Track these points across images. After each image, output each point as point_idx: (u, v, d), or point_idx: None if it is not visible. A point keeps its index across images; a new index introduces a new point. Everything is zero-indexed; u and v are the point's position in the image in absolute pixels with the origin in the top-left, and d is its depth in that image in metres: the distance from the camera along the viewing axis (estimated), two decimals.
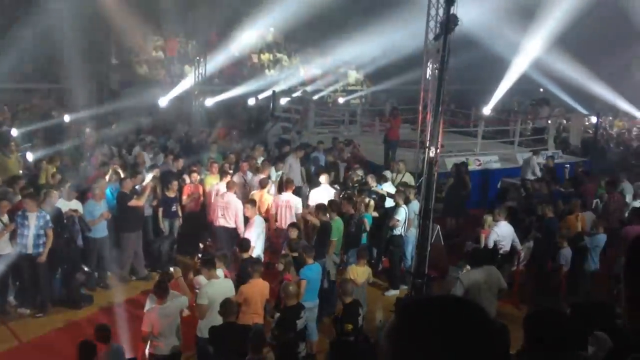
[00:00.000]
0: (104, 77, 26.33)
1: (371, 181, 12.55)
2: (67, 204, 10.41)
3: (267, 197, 11.98)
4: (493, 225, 10.82)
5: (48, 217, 9.69)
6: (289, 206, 11.54)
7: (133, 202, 11.11)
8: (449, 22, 9.13)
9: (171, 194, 11.85)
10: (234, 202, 11.30)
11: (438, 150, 9.76)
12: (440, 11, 14.29)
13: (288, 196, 11.68)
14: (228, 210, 11.26)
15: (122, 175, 12.01)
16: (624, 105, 26.24)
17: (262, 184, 12.06)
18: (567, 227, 11.13)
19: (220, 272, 8.43)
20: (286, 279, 8.32)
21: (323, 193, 12.13)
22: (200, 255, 9.08)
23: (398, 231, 11.26)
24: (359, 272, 9.46)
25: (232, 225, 11.25)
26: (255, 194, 11.97)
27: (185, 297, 7.84)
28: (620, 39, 27.20)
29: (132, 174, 11.85)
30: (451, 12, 9.22)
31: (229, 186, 11.59)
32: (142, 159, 13.92)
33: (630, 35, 26.45)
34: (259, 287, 8.09)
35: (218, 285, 7.89)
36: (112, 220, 11.07)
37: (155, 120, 19.94)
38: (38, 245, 9.64)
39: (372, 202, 11.59)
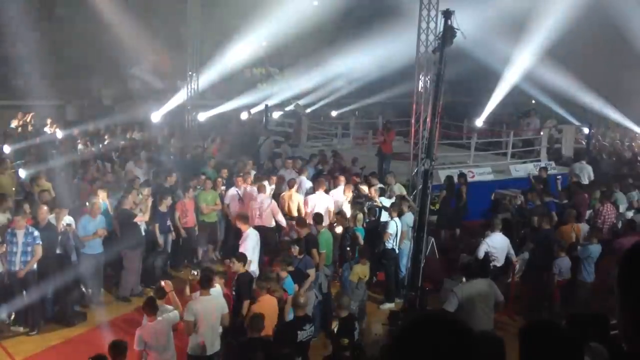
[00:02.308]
0: (97, 93, 26.36)
1: (374, 194, 12.56)
2: (60, 220, 10.37)
3: (296, 196, 12.68)
4: (485, 237, 10.83)
5: (36, 234, 9.64)
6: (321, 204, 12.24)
7: (139, 218, 11.17)
8: (446, 34, 9.20)
9: (164, 209, 11.83)
10: (267, 202, 12.17)
11: (433, 163, 9.79)
12: (432, 25, 14.43)
13: (319, 195, 12.47)
14: (263, 210, 11.94)
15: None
16: (616, 116, 26.40)
17: (290, 184, 12.83)
18: (562, 238, 11.13)
19: (218, 288, 8.39)
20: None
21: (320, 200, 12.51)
22: (194, 273, 9.03)
23: (390, 244, 11.25)
24: (363, 270, 9.88)
25: (269, 224, 12.00)
26: (285, 194, 12.78)
27: (177, 311, 7.81)
28: (611, 50, 27.43)
29: (128, 190, 11.85)
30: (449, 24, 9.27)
31: (260, 189, 12.36)
32: (134, 174, 13.90)
33: (621, 46, 26.66)
34: (268, 305, 8.05)
35: (206, 301, 7.82)
36: (113, 238, 11.06)
37: (148, 135, 19.93)
38: (26, 262, 9.59)
39: (360, 216, 11.57)
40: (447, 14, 9.40)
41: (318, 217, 11.08)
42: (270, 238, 12.11)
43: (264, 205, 12.11)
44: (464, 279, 10.15)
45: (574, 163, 17.65)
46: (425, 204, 9.70)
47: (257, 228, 11.68)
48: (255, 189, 12.58)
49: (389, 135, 16.41)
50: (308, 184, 13.58)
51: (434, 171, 10.12)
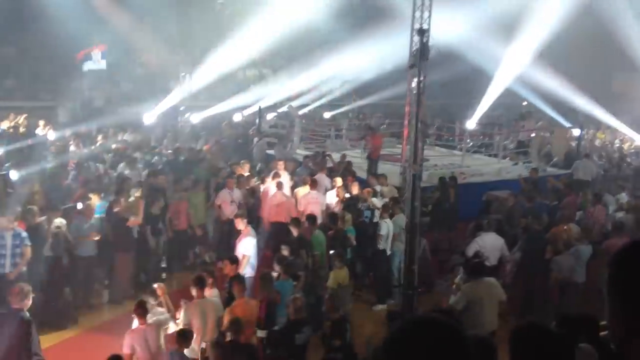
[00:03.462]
0: (89, 94, 26.28)
1: (367, 195, 12.61)
2: (52, 222, 10.33)
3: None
4: (476, 236, 10.86)
5: (24, 235, 9.61)
6: (317, 202, 12.60)
7: (132, 222, 11.12)
8: (423, 52, 9.44)
9: (156, 211, 11.80)
10: (286, 199, 12.60)
11: (420, 167, 10.01)
12: (425, 26, 14.45)
13: (315, 194, 12.79)
14: (281, 207, 12.36)
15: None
16: (606, 117, 26.56)
17: (305, 181, 13.18)
18: (555, 239, 11.13)
19: (215, 290, 8.35)
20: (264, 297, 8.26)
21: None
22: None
23: (382, 246, 11.26)
24: (342, 276, 9.78)
25: (287, 221, 12.04)
26: (301, 190, 13.09)
27: (168, 314, 7.77)
28: (601, 52, 27.59)
29: (120, 192, 11.81)
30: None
31: (279, 186, 12.72)
32: (126, 176, 13.86)
33: (611, 48, 26.83)
34: (246, 308, 7.98)
35: (202, 304, 7.80)
36: (105, 240, 11.02)
37: (141, 137, 19.88)
38: (15, 265, 9.53)
39: (348, 217, 11.58)
40: (422, 32, 9.78)
41: (312, 218, 11.06)
42: (283, 234, 12.19)
43: (282, 203, 12.48)
44: (456, 280, 10.22)
45: (577, 161, 18.10)
46: (415, 207, 9.84)
47: (275, 224, 12.25)
48: (272, 186, 12.94)
49: (373, 139, 16.50)
50: (326, 181, 13.83)
51: (425, 173, 10.23)
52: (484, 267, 9.02)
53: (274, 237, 12.07)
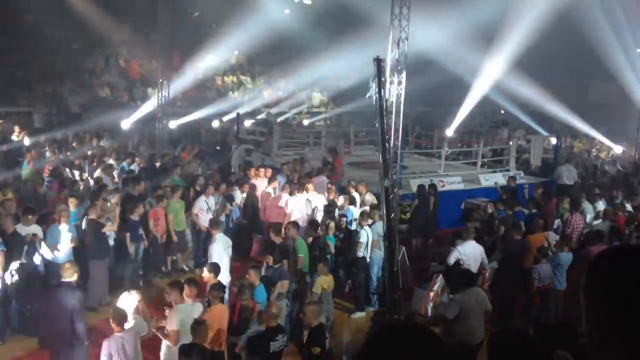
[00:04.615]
0: (66, 100, 26.00)
1: (344, 202, 12.61)
2: (27, 229, 10.17)
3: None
4: (457, 244, 10.89)
5: None
6: (303, 207, 12.88)
7: (108, 228, 10.99)
8: (380, 81, 9.72)
9: (135, 217, 11.69)
10: (290, 201, 12.90)
11: (394, 180, 10.15)
12: (403, 34, 14.55)
13: (304, 197, 13.01)
14: (282, 209, 12.74)
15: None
16: (582, 126, 26.92)
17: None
18: (534, 246, 11.17)
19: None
20: (238, 303, 8.21)
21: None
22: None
23: (361, 253, 11.26)
24: (327, 281, 9.79)
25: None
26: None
27: (145, 322, 7.68)
28: (577, 62, 27.98)
29: (95, 199, 11.66)
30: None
31: (282, 188, 13.21)
32: (102, 182, 13.71)
33: (587, 58, 27.22)
34: (217, 314, 7.92)
35: (188, 309, 7.74)
36: (80, 247, 10.86)
37: (117, 143, 19.72)
38: None
39: (332, 224, 11.57)
40: (379, 62, 10.20)
41: (294, 225, 11.04)
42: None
43: (287, 205, 12.73)
44: (435, 288, 10.25)
45: (560, 166, 18.59)
46: (390, 219, 9.91)
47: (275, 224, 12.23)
48: (276, 188, 13.40)
49: (335, 161, 16.52)
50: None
51: (405, 180, 10.28)
52: (472, 276, 9.04)
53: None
